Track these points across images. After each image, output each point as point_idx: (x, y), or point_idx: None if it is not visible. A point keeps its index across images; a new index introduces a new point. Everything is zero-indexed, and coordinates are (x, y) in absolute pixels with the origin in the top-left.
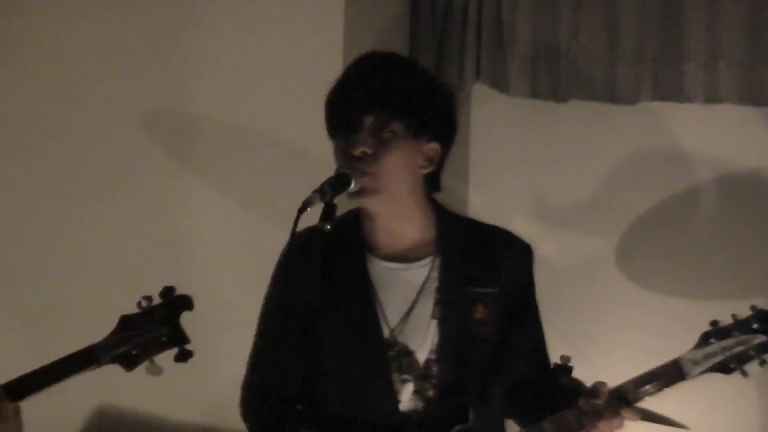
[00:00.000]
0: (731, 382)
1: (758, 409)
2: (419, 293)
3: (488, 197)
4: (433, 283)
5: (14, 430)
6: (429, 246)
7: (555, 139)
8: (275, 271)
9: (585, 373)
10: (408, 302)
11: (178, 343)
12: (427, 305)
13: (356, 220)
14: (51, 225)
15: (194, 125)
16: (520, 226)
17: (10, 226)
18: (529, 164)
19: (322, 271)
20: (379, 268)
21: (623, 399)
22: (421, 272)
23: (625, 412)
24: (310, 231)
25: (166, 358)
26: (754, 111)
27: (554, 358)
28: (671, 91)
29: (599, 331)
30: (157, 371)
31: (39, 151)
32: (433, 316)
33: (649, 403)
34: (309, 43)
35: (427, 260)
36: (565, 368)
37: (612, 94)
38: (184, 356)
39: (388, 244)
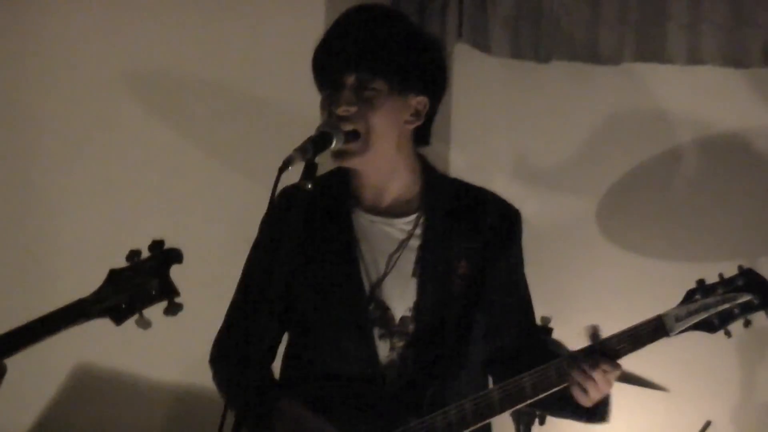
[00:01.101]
0: (712, 344)
1: (738, 372)
2: (401, 249)
3: (470, 157)
4: (416, 241)
5: None
6: (414, 202)
7: (537, 100)
8: (259, 227)
9: (565, 334)
10: (389, 257)
11: (168, 295)
12: (409, 262)
13: (344, 173)
14: (47, 177)
15: (184, 85)
16: (501, 186)
17: None
18: (510, 124)
19: (307, 224)
20: (364, 221)
21: (605, 353)
22: (405, 228)
23: (605, 365)
24: (295, 186)
25: (155, 311)
26: (736, 72)
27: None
28: (653, 51)
29: (579, 292)
30: (146, 325)
31: (28, 105)
32: (413, 274)
33: (629, 364)
34: (293, 7)
35: (412, 217)
36: (545, 329)
37: (594, 55)
38: (173, 309)
39: (373, 198)
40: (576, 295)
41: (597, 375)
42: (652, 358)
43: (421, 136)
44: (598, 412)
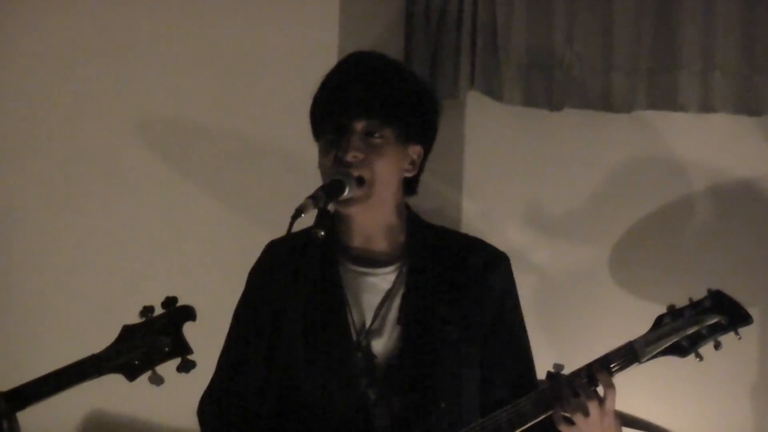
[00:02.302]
0: (725, 393)
1: (752, 416)
2: (386, 299)
3: (482, 205)
4: (400, 289)
5: None
6: (398, 251)
7: (549, 148)
8: (247, 279)
9: None
10: (375, 307)
11: (181, 353)
12: (393, 311)
13: (330, 223)
14: (49, 231)
15: (189, 131)
16: (513, 234)
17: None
18: (523, 172)
19: (294, 275)
20: (350, 273)
21: (576, 384)
22: (389, 278)
23: (583, 391)
24: (284, 239)
25: (168, 367)
26: (748, 120)
27: (548, 365)
28: (665, 99)
29: (593, 340)
30: (159, 381)
31: (33, 156)
32: (398, 322)
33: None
34: (304, 50)
35: (395, 266)
36: (558, 376)
37: (606, 103)
38: (186, 366)
39: (360, 248)
40: (588, 343)
41: (577, 401)
42: (667, 405)
43: (411, 185)
44: None
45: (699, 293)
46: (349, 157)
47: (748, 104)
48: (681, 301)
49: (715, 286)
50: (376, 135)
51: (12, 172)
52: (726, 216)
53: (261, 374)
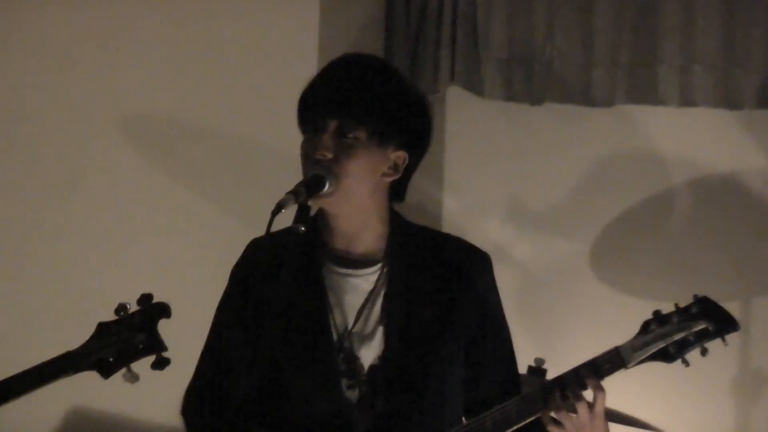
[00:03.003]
0: (707, 387)
1: (733, 414)
2: (368, 300)
3: (463, 200)
4: (382, 290)
5: None
6: (380, 252)
7: (530, 142)
8: (229, 278)
9: None
10: (357, 308)
11: (155, 350)
12: (375, 312)
13: (313, 224)
14: (35, 228)
15: (177, 129)
16: (494, 229)
17: None
18: (504, 167)
19: (277, 275)
20: (332, 274)
21: (562, 387)
22: (371, 278)
23: (571, 393)
24: (266, 237)
25: (143, 364)
26: (729, 114)
27: (529, 360)
28: (646, 94)
29: (574, 334)
30: (133, 378)
31: (24, 154)
32: (380, 323)
33: (625, 405)
34: (283, 45)
35: (377, 267)
36: (539, 370)
37: (587, 97)
38: (161, 364)
39: (342, 249)
40: (570, 336)
41: (566, 404)
42: (648, 399)
43: (397, 191)
44: None
45: (680, 288)
46: (318, 155)
47: (728, 98)
48: (661, 296)
49: (695, 281)
50: (349, 135)
51: (2, 169)
52: (706, 210)
53: (242, 372)
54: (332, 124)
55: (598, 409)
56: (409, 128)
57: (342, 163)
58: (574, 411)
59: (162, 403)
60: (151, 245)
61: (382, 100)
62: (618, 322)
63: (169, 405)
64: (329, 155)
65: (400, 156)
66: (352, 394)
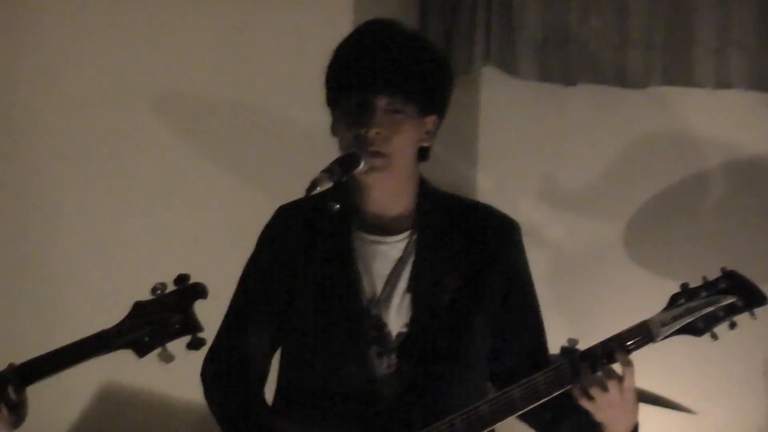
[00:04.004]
0: (741, 367)
1: (765, 393)
2: (396, 267)
3: (496, 179)
4: (410, 257)
5: (19, 417)
6: (408, 220)
7: (563, 122)
8: (257, 243)
9: None
10: (386, 275)
11: (191, 331)
12: (404, 279)
13: (344, 190)
14: (65, 207)
15: (205, 105)
16: (527, 209)
17: (24, 212)
18: (537, 147)
19: (306, 243)
20: (362, 241)
21: (592, 362)
22: (400, 246)
23: (601, 368)
24: (296, 203)
25: (178, 344)
26: (764, 97)
27: (562, 341)
28: (681, 75)
29: (606, 316)
30: (168, 358)
31: (51, 133)
32: (408, 290)
33: (656, 385)
34: (318, 25)
35: (406, 234)
36: (572, 351)
37: (621, 78)
38: (196, 344)
39: (374, 217)
40: (602, 318)
41: (595, 377)
42: (679, 380)
43: (423, 153)
44: None
45: (713, 270)
46: (372, 133)
47: (763, 80)
48: (695, 279)
49: (729, 263)
50: (397, 110)
51: (30, 149)
52: (741, 192)
53: (266, 338)
54: (382, 101)
55: (628, 383)
56: (444, 95)
57: (392, 139)
58: (604, 385)
59: (192, 379)
60: (185, 224)
61: (425, 73)
62: (651, 304)
63: (197, 382)
64: (383, 133)
65: (433, 120)
66: (380, 362)
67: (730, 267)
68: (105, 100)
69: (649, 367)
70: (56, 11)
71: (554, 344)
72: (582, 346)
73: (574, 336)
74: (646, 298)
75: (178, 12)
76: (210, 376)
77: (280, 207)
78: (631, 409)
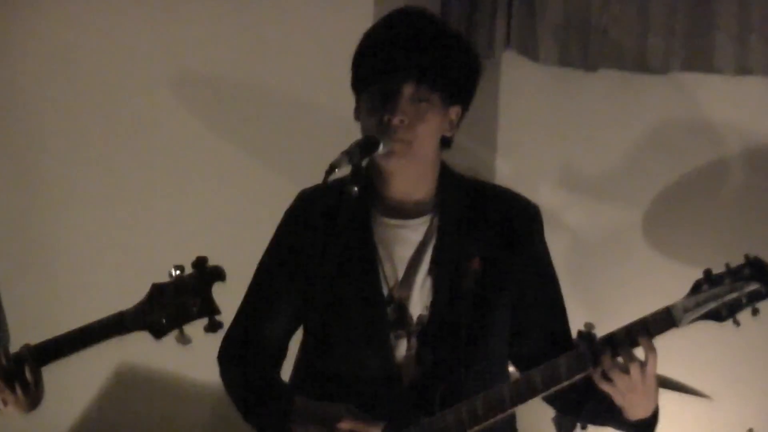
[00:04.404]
0: (755, 352)
1: None
2: (417, 251)
3: (516, 165)
4: (431, 241)
5: (35, 398)
6: (429, 204)
7: (584, 108)
8: (278, 227)
9: None
10: (407, 259)
11: (209, 313)
12: (425, 262)
13: (366, 175)
14: (84, 186)
15: (225, 87)
16: (546, 193)
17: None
18: (557, 132)
19: (326, 227)
20: (382, 225)
21: (614, 346)
22: (421, 229)
23: (623, 352)
24: (318, 188)
25: (195, 326)
26: None
27: (579, 325)
28: (701, 61)
29: (624, 301)
30: (186, 341)
31: (69, 111)
32: (429, 273)
33: (671, 371)
34: (340, 7)
35: (426, 218)
36: (588, 335)
37: (642, 64)
38: (213, 327)
39: (394, 201)
40: (620, 303)
41: (617, 362)
42: (695, 365)
43: (446, 141)
44: (644, 424)
45: (732, 255)
46: (396, 120)
47: None
48: (714, 264)
49: (748, 249)
50: (423, 99)
51: (47, 125)
52: (761, 179)
53: (284, 322)
54: (408, 89)
55: (650, 369)
56: (470, 86)
57: (416, 127)
58: (626, 370)
59: (210, 362)
60: (204, 207)
61: (453, 63)
62: (669, 289)
63: (214, 363)
64: (407, 120)
65: (456, 111)
66: (401, 345)
67: (749, 253)
68: (124, 84)
69: (664, 351)
70: None
71: (572, 328)
72: (599, 330)
73: (591, 320)
74: (665, 283)
75: None
76: (227, 358)
77: (302, 192)
78: (652, 394)
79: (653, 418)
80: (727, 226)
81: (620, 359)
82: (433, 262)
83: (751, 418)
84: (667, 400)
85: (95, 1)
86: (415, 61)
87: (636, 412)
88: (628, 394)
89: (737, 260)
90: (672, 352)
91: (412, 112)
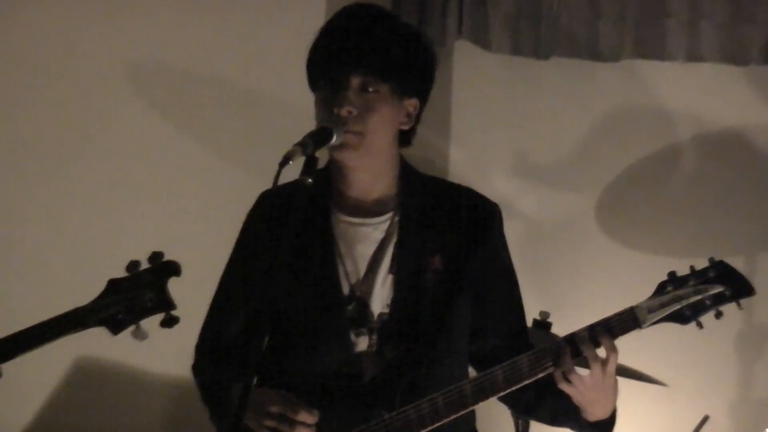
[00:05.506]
0: (710, 341)
1: (736, 368)
2: (378, 249)
3: (469, 153)
4: (392, 239)
5: None
6: (391, 202)
7: (536, 96)
8: (241, 229)
9: (563, 329)
10: (368, 257)
11: (164, 308)
12: (386, 260)
13: (325, 174)
14: (41, 179)
15: (184, 79)
16: (501, 182)
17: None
18: (510, 121)
19: (287, 226)
20: (343, 224)
21: (576, 345)
22: (382, 227)
23: (586, 350)
24: (279, 188)
25: (152, 321)
26: (735, 70)
27: (534, 312)
28: (653, 49)
29: (578, 287)
30: (142, 336)
31: (25, 103)
32: (390, 271)
33: (630, 359)
34: (292, 2)
35: (388, 216)
36: (543, 324)
37: (594, 52)
38: (170, 322)
39: (354, 199)
40: (574, 290)
41: (575, 362)
42: (651, 354)
43: (406, 137)
44: (602, 425)
45: (685, 243)
46: (344, 112)
47: (734, 53)
48: (667, 251)
49: (698, 234)
50: (371, 90)
51: (11, 131)
52: (712, 165)
53: (251, 323)
54: (355, 81)
55: (610, 368)
56: (423, 77)
57: (366, 118)
58: (586, 367)
59: (165, 352)
60: (158, 199)
61: (401, 55)
62: (622, 275)
63: (173, 356)
64: (356, 111)
65: (413, 104)
66: (362, 342)
67: (700, 240)
68: (79, 71)
69: (622, 340)
70: None
71: (527, 316)
72: (553, 317)
73: (545, 307)
74: (618, 269)
75: None
76: (199, 367)
77: (263, 192)
78: (611, 393)
79: (612, 418)
80: (678, 211)
81: (582, 357)
82: (394, 260)
83: (707, 405)
84: (624, 388)
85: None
86: (362, 52)
87: (594, 411)
88: (587, 393)
89: (690, 247)
90: (630, 341)
91: (361, 103)
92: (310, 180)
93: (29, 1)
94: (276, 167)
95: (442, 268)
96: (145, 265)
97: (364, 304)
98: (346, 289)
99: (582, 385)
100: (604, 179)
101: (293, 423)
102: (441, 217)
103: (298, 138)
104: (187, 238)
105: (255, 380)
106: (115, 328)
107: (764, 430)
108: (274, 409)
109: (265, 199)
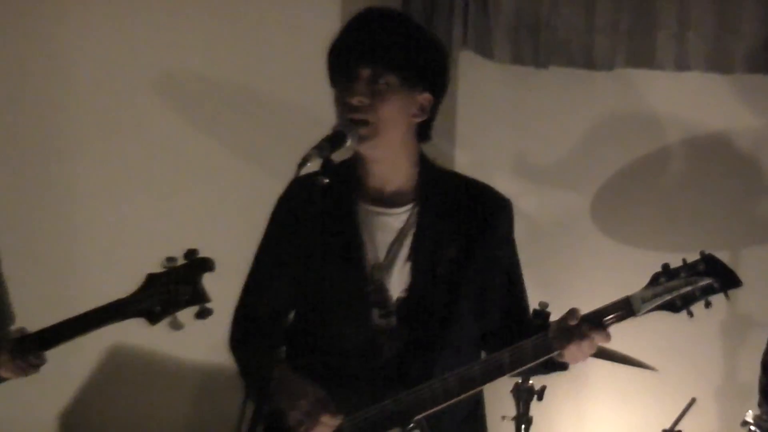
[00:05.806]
0: (698, 329)
1: (721, 354)
2: (398, 237)
3: (473, 156)
4: (411, 228)
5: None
6: (411, 193)
7: (536, 102)
8: (272, 212)
9: None
10: (388, 244)
11: (199, 301)
12: (405, 248)
13: (352, 166)
14: (76, 187)
15: (201, 87)
16: (502, 183)
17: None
18: (511, 125)
19: (316, 212)
20: (366, 212)
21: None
22: (402, 218)
23: (594, 333)
24: (309, 176)
25: (187, 313)
26: (720, 78)
27: (533, 304)
28: (644, 58)
29: (574, 281)
30: (178, 326)
31: (52, 108)
32: (408, 259)
33: (621, 345)
34: (308, 4)
35: (408, 207)
36: (542, 313)
37: (589, 61)
38: (204, 314)
39: (375, 189)
40: (571, 283)
41: (577, 345)
42: (643, 341)
43: (424, 131)
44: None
45: (674, 239)
46: (355, 101)
47: (720, 63)
48: (657, 246)
49: (687, 233)
50: (381, 81)
51: (50, 131)
52: (699, 167)
53: (283, 299)
54: (365, 72)
55: (597, 344)
56: (433, 71)
57: (377, 108)
58: (582, 349)
59: (194, 339)
60: (194, 203)
61: (407, 47)
62: (616, 269)
63: (201, 341)
64: (366, 101)
65: (426, 98)
66: (383, 323)
67: (688, 237)
68: (109, 80)
69: (616, 328)
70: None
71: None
72: (552, 307)
73: (545, 299)
74: (612, 264)
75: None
76: (234, 337)
77: (294, 179)
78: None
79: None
80: (668, 211)
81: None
82: (413, 248)
83: (695, 389)
84: (617, 372)
85: (91, 4)
86: (371, 44)
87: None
88: (569, 358)
89: (679, 243)
90: (619, 327)
91: (371, 93)
92: (326, 180)
93: (63, 7)
94: (288, 165)
95: (456, 257)
96: (181, 261)
97: (383, 287)
98: (367, 272)
99: (570, 357)
100: (599, 180)
101: (317, 421)
102: (457, 209)
103: (310, 137)
104: (218, 237)
105: (284, 351)
106: (153, 319)
107: (748, 411)
108: (303, 403)
109: (295, 185)
